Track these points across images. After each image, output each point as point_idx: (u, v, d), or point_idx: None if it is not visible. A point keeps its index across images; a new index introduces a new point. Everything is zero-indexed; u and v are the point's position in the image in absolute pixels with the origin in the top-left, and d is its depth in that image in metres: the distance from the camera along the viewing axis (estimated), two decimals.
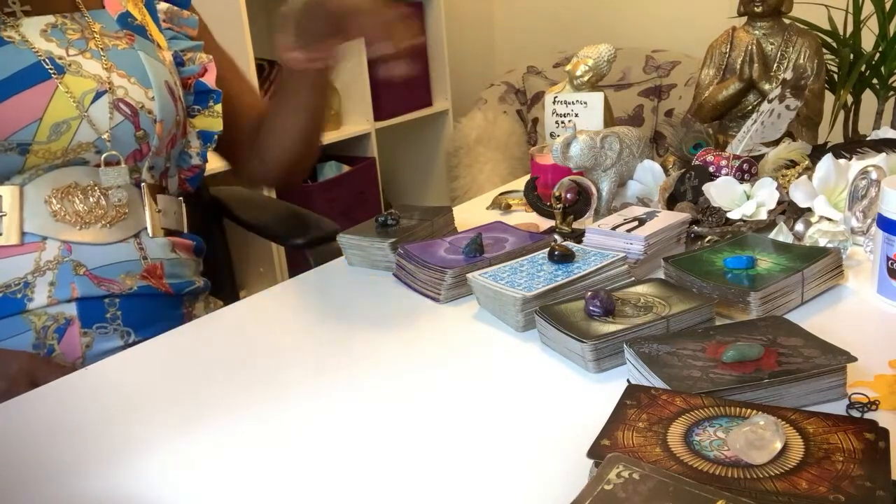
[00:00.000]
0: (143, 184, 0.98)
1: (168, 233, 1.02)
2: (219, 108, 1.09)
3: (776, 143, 1.10)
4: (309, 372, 0.76)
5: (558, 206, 1.03)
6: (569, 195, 1.04)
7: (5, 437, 0.69)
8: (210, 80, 1.08)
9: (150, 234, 0.99)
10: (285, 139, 1.13)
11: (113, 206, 0.94)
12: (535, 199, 1.10)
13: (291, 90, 1.09)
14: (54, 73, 0.90)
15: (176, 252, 1.02)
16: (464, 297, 0.89)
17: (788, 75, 1.07)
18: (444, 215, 1.08)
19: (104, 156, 0.93)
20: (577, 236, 1.01)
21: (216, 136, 1.09)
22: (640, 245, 0.88)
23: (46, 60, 0.90)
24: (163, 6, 1.06)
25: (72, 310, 0.91)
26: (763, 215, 0.96)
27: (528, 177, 1.17)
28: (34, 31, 0.91)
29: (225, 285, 1.40)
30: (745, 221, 0.96)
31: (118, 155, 0.94)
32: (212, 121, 1.09)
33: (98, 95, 0.92)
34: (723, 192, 0.99)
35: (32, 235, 0.90)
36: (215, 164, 1.45)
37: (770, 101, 1.07)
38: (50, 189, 0.91)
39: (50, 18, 0.93)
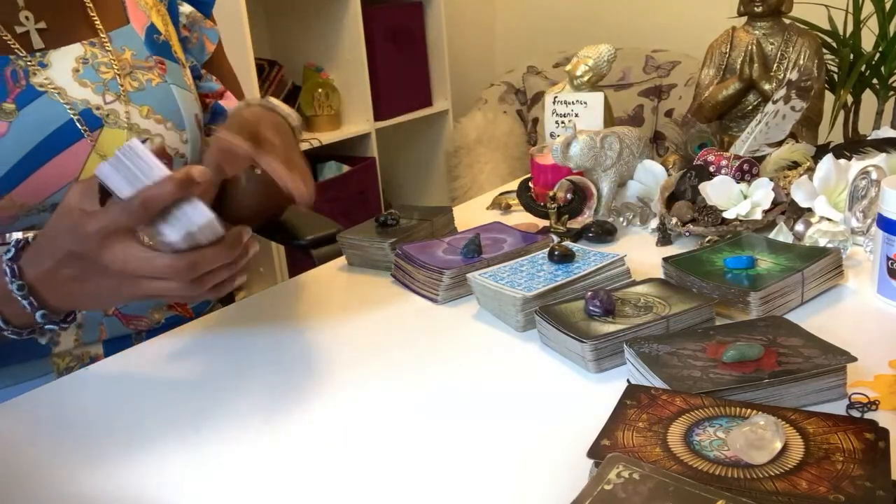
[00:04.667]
0: None
1: None
2: None
3: (780, 143, 1.10)
4: (308, 372, 0.76)
5: (552, 206, 1.03)
6: (564, 195, 1.04)
7: (5, 436, 0.69)
8: (230, 105, 1.05)
9: None
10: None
11: None
12: (528, 199, 1.10)
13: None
14: (87, 133, 0.85)
15: None
16: (462, 297, 0.89)
17: (794, 76, 1.07)
18: (444, 215, 1.08)
19: None
20: (573, 236, 1.02)
21: None
22: None
23: (80, 118, 0.85)
24: (186, 9, 1.02)
25: (98, 349, 0.91)
26: (758, 215, 0.96)
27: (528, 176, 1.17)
28: (65, 72, 0.85)
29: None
30: (741, 221, 0.96)
31: None
32: None
33: None
34: (719, 192, 0.99)
35: None
36: None
37: (775, 102, 1.07)
38: None
39: (77, 50, 0.87)
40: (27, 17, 0.85)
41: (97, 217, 0.64)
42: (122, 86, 0.89)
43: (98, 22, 0.91)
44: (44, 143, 0.82)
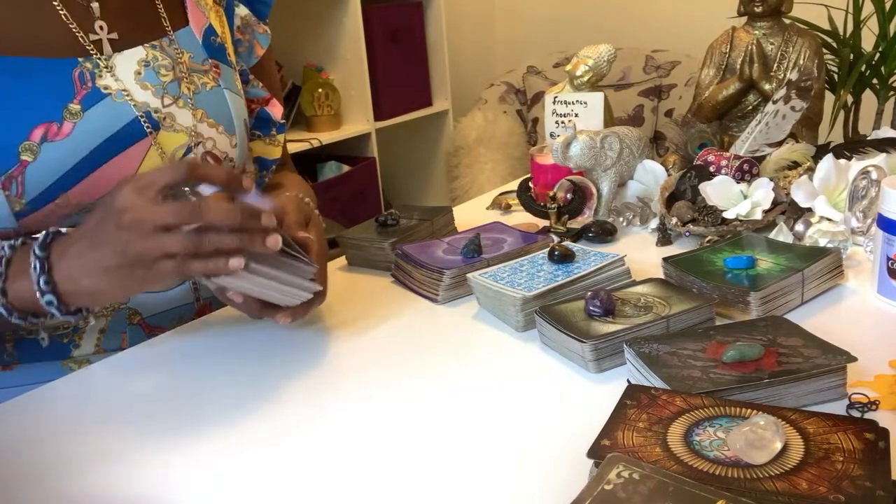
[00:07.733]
0: None
1: None
2: (281, 137, 1.06)
3: (780, 143, 1.10)
4: (308, 372, 0.76)
5: (552, 206, 1.03)
6: (565, 195, 1.04)
7: (5, 436, 0.69)
8: (276, 113, 1.04)
9: None
10: None
11: None
12: (528, 199, 1.10)
13: None
14: (150, 131, 0.85)
15: None
16: (462, 297, 0.89)
17: (794, 76, 1.07)
18: (444, 215, 1.08)
19: None
20: (573, 236, 1.02)
21: (274, 167, 1.05)
22: None
23: (143, 116, 0.85)
24: (242, 11, 1.01)
25: None
26: (758, 215, 0.96)
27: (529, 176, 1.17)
28: (129, 75, 0.85)
29: None
30: (741, 221, 0.96)
31: None
32: (271, 149, 1.05)
33: (188, 151, 0.89)
34: (719, 192, 0.99)
35: None
36: None
37: (775, 102, 1.07)
38: None
39: (140, 52, 0.87)
40: (101, 27, 0.85)
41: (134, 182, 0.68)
42: (179, 87, 0.89)
43: (167, 23, 0.91)
44: (105, 144, 0.82)
